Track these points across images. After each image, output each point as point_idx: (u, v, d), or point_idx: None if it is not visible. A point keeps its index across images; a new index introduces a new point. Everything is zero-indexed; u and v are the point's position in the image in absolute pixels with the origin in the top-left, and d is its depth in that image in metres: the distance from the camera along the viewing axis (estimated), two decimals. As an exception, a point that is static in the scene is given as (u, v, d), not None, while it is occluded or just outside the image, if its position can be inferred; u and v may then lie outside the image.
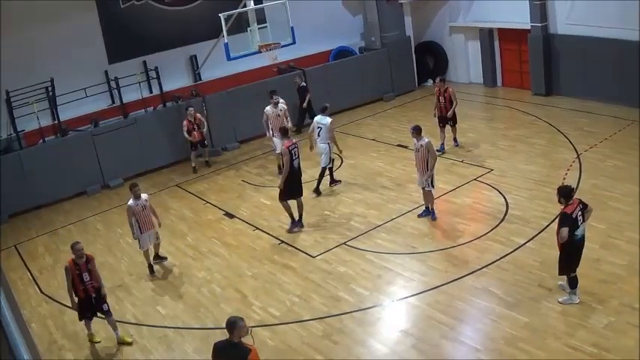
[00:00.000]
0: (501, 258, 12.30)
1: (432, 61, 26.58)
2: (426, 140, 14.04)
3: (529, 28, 21.90)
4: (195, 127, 19.40)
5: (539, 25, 21.35)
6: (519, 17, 22.15)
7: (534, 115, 20.54)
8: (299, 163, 14.72)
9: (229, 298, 12.48)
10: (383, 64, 24.67)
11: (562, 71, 21.62)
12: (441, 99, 18.24)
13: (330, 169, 16.90)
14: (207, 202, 17.35)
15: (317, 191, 16.54)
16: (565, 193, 10.50)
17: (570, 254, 10.48)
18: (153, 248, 14.16)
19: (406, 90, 25.38)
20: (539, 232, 13.09)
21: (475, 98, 23.82)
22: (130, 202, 13.45)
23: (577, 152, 16.94)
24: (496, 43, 24.15)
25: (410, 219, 14.68)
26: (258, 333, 11.17)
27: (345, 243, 13.99)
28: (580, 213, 10.37)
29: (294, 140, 15.00)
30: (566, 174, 15.70)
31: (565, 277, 10.67)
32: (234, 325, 7.80)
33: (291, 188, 14.59)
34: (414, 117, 22.20)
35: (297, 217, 14.88)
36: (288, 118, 18.35)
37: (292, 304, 11.94)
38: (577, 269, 10.58)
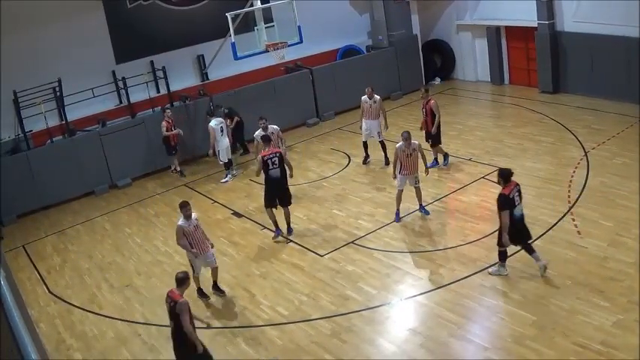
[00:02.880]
0: (509, 256, 12.26)
1: (439, 59, 26.55)
2: (417, 142, 14.45)
3: (536, 25, 21.86)
4: (173, 127, 19.45)
5: (546, 22, 21.30)
6: (526, 15, 22.13)
7: (542, 113, 20.50)
8: (279, 172, 14.24)
9: (238, 297, 12.49)
10: (390, 62, 24.66)
11: (569, 69, 21.57)
12: (423, 111, 17.00)
13: None
14: (216, 202, 17.38)
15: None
16: (505, 175, 11.46)
17: (510, 231, 11.37)
18: (211, 274, 12.80)
19: (413, 88, 25.26)
20: (547, 230, 13.06)
21: (482, 96, 23.82)
22: (181, 222, 12.12)
23: (584, 150, 16.89)
24: (503, 41, 24.10)
25: (418, 217, 14.67)
26: (267, 332, 11.21)
27: (353, 242, 14.00)
28: (517, 194, 11.42)
29: (275, 149, 14.73)
30: (573, 172, 15.66)
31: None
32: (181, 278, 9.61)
33: (270, 196, 14.44)
34: (421, 115, 22.15)
35: (286, 225, 14.78)
36: (283, 140, 17.18)
37: (300, 303, 11.95)
38: (520, 244, 11.75)
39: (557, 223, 13.29)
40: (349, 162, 18.66)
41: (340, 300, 11.86)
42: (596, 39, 20.19)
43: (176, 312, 9.42)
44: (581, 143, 17.40)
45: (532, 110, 21.02)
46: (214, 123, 18.32)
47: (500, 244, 11.57)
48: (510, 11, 23.08)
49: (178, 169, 20.08)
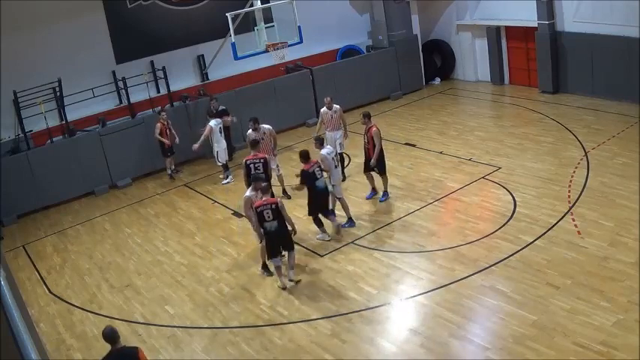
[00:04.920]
0: (509, 256, 12.27)
1: (439, 59, 26.55)
2: (338, 107, 15.95)
3: (536, 25, 21.86)
4: (168, 130, 19.20)
5: (547, 22, 21.29)
6: (526, 15, 22.14)
7: (542, 113, 20.51)
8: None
9: (238, 298, 12.49)
10: (390, 62, 24.66)
11: (569, 69, 21.56)
12: (365, 138, 15.58)
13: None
14: (216, 202, 17.38)
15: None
16: (304, 155, 13.78)
17: (315, 200, 13.94)
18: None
19: (413, 89, 25.38)
20: (548, 230, 13.05)
21: (482, 96, 23.82)
22: (249, 193, 12.67)
23: (585, 150, 16.89)
24: (503, 41, 24.09)
25: (418, 217, 14.67)
26: (267, 332, 11.21)
27: (353, 242, 13.99)
28: (318, 169, 13.82)
29: (260, 155, 14.77)
30: (573, 172, 15.66)
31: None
32: (115, 333, 8.38)
33: None
34: (421, 115, 22.26)
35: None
36: (275, 138, 16.72)
37: (301, 303, 11.95)
38: (325, 213, 14.12)
39: (557, 223, 13.28)
40: (349, 162, 18.65)
41: (340, 300, 11.86)
42: (596, 39, 20.20)
43: (279, 209, 12.04)
44: (581, 143, 17.40)
45: (532, 110, 21.02)
46: (214, 123, 18.30)
47: (312, 213, 14.05)
48: (510, 11, 23.08)
49: (169, 172, 19.79)
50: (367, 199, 15.86)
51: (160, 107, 20.28)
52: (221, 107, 19.63)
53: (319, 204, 14.04)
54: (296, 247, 13.93)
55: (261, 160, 14.39)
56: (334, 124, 17.01)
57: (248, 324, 11.55)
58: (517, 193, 14.97)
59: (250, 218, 12.80)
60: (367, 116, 15.46)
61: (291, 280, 12.69)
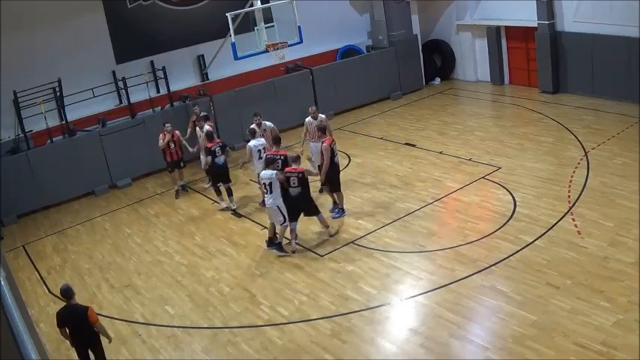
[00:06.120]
0: (509, 256, 12.27)
1: (439, 59, 26.55)
2: (324, 116, 16.25)
3: (536, 26, 21.86)
4: (172, 143, 17.68)
5: (547, 22, 21.29)
6: (526, 15, 22.14)
7: (542, 113, 20.51)
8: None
9: (238, 298, 12.49)
10: (390, 62, 24.66)
11: (569, 69, 21.56)
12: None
13: None
14: (216, 202, 17.35)
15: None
16: (209, 136, 16.16)
17: (215, 173, 16.34)
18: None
19: (413, 89, 25.38)
20: (547, 230, 13.04)
21: (483, 96, 23.82)
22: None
23: (585, 150, 16.89)
24: (503, 41, 24.09)
25: (418, 217, 14.67)
26: (267, 332, 11.21)
27: (353, 242, 13.99)
28: (219, 148, 16.05)
29: (282, 152, 14.67)
30: (573, 172, 15.66)
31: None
32: (69, 290, 9.68)
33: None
34: (421, 115, 22.26)
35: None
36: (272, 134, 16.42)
37: (300, 303, 11.95)
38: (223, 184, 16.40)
39: (557, 223, 13.28)
40: (349, 162, 18.66)
41: (340, 300, 11.86)
42: (596, 39, 20.20)
43: (305, 178, 13.50)
44: (581, 143, 17.40)
45: (532, 110, 21.03)
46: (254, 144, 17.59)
47: (213, 185, 16.72)
48: (510, 11, 23.10)
49: (176, 187, 18.47)
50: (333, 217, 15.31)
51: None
52: (203, 113, 19.01)
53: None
54: (296, 246, 14.00)
55: (281, 157, 14.23)
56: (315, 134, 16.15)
57: (248, 324, 11.55)
58: (517, 193, 14.97)
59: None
60: (321, 130, 15.26)
61: (331, 235, 14.31)
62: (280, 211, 13.52)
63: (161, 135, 17.68)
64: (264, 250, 14.26)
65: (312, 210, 14.10)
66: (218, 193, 16.95)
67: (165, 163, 18.19)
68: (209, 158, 16.26)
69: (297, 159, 13.76)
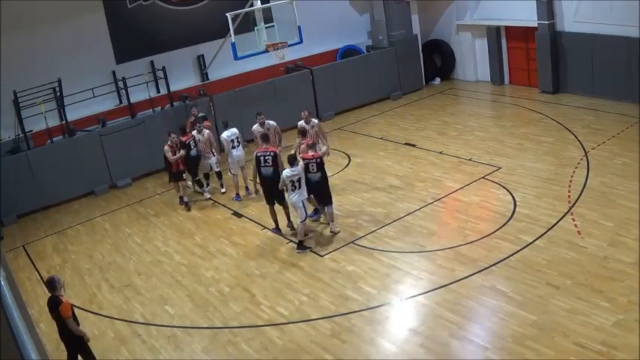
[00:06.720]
0: (509, 256, 12.27)
1: (439, 59, 26.55)
2: (316, 121, 16.05)
3: (536, 25, 21.86)
4: (177, 151, 16.72)
5: (547, 22, 21.29)
6: (526, 15, 22.14)
7: (542, 113, 20.51)
8: (272, 172, 14.19)
9: (237, 298, 12.49)
10: (390, 62, 24.66)
11: (569, 69, 21.56)
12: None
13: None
14: (216, 202, 17.36)
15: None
16: (182, 129, 16.90)
17: (190, 165, 16.96)
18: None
19: (413, 89, 25.39)
20: (547, 230, 13.04)
21: (483, 96, 23.82)
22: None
23: (585, 150, 16.89)
24: (503, 41, 24.09)
25: (418, 217, 14.66)
26: (267, 332, 11.21)
27: (353, 242, 13.99)
28: (192, 141, 16.65)
29: (271, 148, 14.49)
30: (573, 172, 15.66)
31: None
32: (52, 282, 10.00)
33: (267, 194, 14.64)
34: (421, 115, 22.27)
35: (286, 222, 14.92)
36: (279, 134, 16.74)
37: (300, 303, 11.95)
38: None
39: (557, 223, 13.28)
40: (349, 162, 18.66)
41: (340, 300, 11.85)
42: (596, 39, 20.20)
43: (322, 163, 13.88)
44: (581, 143, 17.40)
45: (532, 110, 21.03)
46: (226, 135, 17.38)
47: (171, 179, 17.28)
48: (510, 11, 23.10)
49: (185, 199, 17.43)
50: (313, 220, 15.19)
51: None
52: (201, 114, 18.86)
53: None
54: (295, 246, 14.00)
55: (271, 153, 14.32)
56: (313, 138, 15.49)
57: (248, 324, 11.55)
58: (517, 193, 14.97)
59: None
60: (302, 133, 15.20)
61: (332, 232, 14.42)
62: (304, 207, 13.76)
63: (166, 147, 16.62)
64: (264, 250, 14.27)
65: (328, 198, 14.43)
66: (200, 185, 17.68)
67: (170, 174, 17.29)
68: (183, 151, 16.73)
69: (313, 145, 14.35)
